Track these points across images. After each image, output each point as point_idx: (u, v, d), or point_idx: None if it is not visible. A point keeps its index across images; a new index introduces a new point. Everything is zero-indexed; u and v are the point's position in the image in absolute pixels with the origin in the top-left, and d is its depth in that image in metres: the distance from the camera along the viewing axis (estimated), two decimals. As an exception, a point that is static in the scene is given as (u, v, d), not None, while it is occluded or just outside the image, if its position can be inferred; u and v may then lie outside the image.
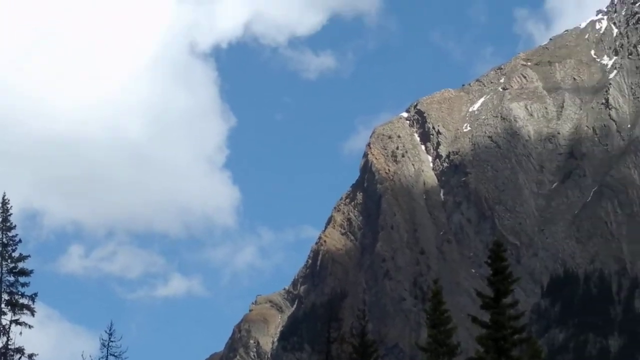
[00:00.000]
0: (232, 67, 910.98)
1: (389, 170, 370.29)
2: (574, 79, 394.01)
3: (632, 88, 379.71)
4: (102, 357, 69.40)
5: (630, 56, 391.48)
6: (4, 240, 66.15)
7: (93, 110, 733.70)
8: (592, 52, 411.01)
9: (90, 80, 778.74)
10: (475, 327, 60.48)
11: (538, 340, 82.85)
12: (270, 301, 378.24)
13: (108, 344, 69.83)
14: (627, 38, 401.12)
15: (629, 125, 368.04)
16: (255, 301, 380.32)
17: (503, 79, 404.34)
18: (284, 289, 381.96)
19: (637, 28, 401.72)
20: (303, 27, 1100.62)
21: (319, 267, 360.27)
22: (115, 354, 68.99)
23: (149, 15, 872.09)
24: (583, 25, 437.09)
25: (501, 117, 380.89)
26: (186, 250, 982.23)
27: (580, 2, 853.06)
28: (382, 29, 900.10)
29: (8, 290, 69.22)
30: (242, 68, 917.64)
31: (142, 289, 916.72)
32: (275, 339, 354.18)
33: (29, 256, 67.61)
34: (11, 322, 69.14)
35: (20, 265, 66.53)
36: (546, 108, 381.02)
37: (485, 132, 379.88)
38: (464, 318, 69.47)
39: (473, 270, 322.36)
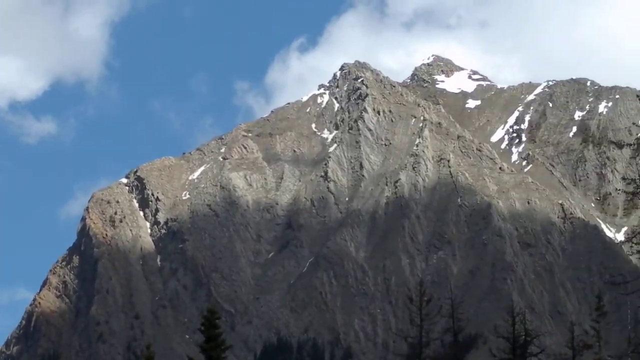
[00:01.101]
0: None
1: (106, 234, 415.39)
2: (294, 151, 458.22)
3: (351, 162, 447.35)
4: None
5: (350, 130, 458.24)
6: None
7: None
8: (313, 125, 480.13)
9: None
10: None
11: None
12: None
13: None
14: (348, 113, 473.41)
15: (346, 198, 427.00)
16: None
17: (224, 148, 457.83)
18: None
19: (357, 103, 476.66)
20: (24, 91, 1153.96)
21: (32, 329, 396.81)
22: None
23: None
24: (305, 98, 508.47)
25: (220, 186, 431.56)
26: None
27: (301, 77, 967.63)
28: (103, 96, 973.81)
29: None
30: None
31: None
32: None
33: None
34: None
35: None
36: (265, 179, 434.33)
37: (204, 201, 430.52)
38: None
39: (187, 336, 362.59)
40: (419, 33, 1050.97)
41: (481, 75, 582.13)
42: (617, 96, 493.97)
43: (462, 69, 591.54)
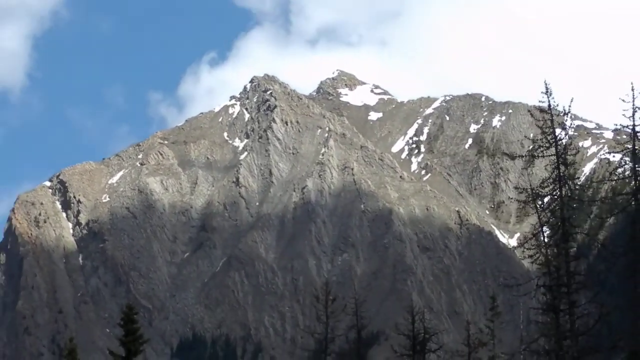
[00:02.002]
0: None
1: (31, 234, 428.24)
2: (207, 158, 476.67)
3: (261, 168, 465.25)
4: None
5: (260, 139, 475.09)
6: None
7: None
8: (225, 134, 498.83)
9: None
10: None
11: None
12: None
13: None
14: (258, 123, 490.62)
15: (257, 203, 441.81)
16: None
17: (141, 155, 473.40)
18: None
19: (267, 114, 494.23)
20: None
21: None
22: None
23: None
24: (217, 109, 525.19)
25: (138, 190, 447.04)
26: None
27: (211, 89, 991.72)
28: (25, 105, 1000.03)
29: None
30: None
31: None
32: None
33: None
34: None
35: None
36: (181, 183, 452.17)
37: (123, 204, 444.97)
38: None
39: (108, 330, 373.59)
40: (323, 49, 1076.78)
41: (382, 89, 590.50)
42: (510, 110, 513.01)
43: (364, 83, 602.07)
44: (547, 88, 63.12)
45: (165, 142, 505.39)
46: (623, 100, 68.12)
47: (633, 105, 63.58)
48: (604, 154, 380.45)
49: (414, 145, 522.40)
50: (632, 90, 63.61)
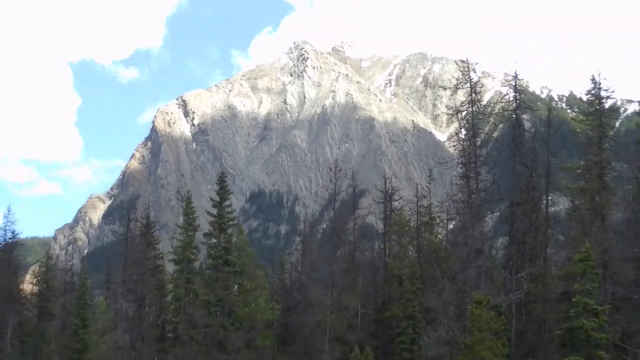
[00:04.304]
0: None
1: (166, 130, 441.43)
2: (268, 87, 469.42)
3: (298, 94, 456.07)
4: None
5: (298, 77, 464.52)
6: None
7: None
8: (278, 73, 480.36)
9: None
10: (209, 216, 66.23)
11: (242, 225, 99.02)
12: (98, 197, 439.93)
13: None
14: (297, 67, 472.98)
15: (296, 114, 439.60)
16: (90, 196, 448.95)
17: (229, 85, 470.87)
18: (107, 192, 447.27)
19: (302, 62, 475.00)
20: None
21: (126, 181, 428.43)
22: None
23: None
24: (273, 59, 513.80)
25: (227, 105, 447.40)
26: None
27: (271, 46, 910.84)
28: (161, 57, 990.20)
29: None
30: None
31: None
32: (100, 217, 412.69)
33: None
34: None
35: None
36: (252, 102, 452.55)
37: (219, 113, 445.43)
38: (205, 211, 67.74)
39: (210, 187, 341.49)
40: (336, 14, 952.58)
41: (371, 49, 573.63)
42: (444, 62, 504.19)
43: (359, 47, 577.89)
44: (466, 50, 59.72)
45: (243, 78, 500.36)
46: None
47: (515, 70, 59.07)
48: (498, 87, 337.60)
49: (387, 82, 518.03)
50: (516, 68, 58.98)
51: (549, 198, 55.90)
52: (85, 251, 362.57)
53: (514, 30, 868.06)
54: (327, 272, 66.65)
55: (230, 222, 67.37)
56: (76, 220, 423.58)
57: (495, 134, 68.44)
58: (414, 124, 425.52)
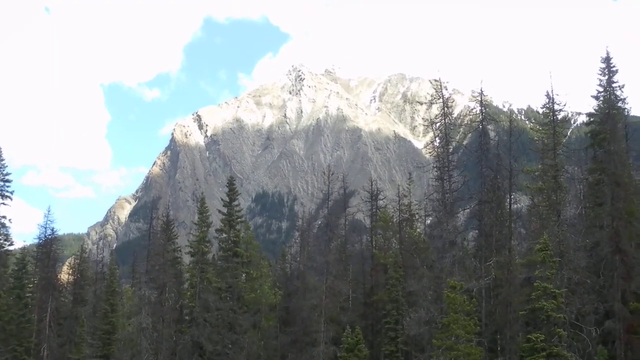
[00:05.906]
0: None
1: (183, 140, 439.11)
2: (270, 103, 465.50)
3: (296, 108, 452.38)
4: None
5: (296, 94, 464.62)
6: None
7: None
8: (279, 91, 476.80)
9: None
10: (220, 215, 64.94)
11: (249, 222, 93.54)
12: (125, 199, 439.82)
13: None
14: (295, 86, 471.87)
15: (294, 125, 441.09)
16: (118, 198, 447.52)
17: (237, 102, 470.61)
18: (132, 194, 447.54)
19: (299, 82, 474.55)
20: None
21: (148, 185, 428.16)
22: None
23: None
24: (274, 79, 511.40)
25: (236, 119, 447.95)
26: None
27: (271, 68, 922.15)
28: (180, 80, 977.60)
29: None
30: None
31: None
32: (127, 216, 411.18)
33: None
34: None
35: None
36: (257, 116, 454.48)
37: (228, 125, 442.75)
38: (216, 210, 66.76)
39: (221, 189, 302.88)
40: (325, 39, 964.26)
41: (358, 71, 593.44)
42: (420, 81, 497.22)
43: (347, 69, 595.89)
44: (438, 71, 63.33)
45: (249, 96, 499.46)
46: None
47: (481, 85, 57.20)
48: (467, 102, 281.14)
49: (372, 98, 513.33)
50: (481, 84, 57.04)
51: (512, 196, 55.05)
52: (114, 245, 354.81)
53: (480, 54, 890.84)
54: (322, 261, 66.19)
55: (239, 220, 66.48)
56: (106, 219, 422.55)
57: (464, 142, 68.57)
58: (395, 134, 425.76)
